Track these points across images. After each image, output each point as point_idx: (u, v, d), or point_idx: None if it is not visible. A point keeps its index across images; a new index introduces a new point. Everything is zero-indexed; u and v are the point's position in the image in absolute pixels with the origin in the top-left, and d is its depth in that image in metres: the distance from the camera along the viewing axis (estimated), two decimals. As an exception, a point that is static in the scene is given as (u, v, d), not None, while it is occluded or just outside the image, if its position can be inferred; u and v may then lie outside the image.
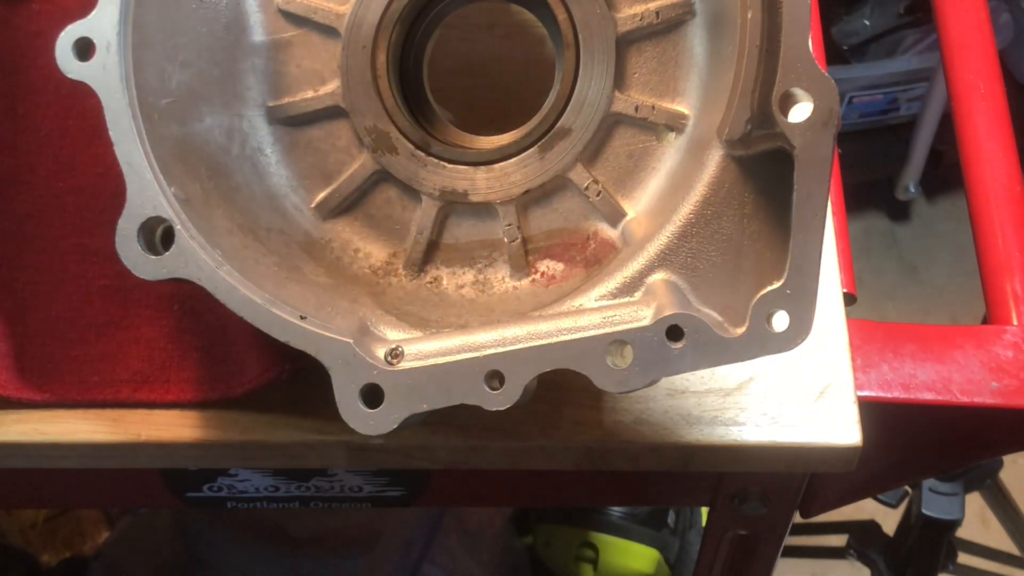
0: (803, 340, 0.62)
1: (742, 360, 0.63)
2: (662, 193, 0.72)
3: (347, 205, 0.79)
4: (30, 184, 0.85)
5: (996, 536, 1.90)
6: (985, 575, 1.86)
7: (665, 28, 0.73)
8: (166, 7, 0.75)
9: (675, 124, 0.73)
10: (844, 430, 0.78)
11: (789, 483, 0.90)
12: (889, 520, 1.71)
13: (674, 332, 0.63)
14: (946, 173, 2.46)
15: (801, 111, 0.62)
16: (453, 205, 0.77)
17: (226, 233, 0.72)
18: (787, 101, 0.62)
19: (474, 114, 0.85)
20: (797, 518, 0.99)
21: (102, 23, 0.72)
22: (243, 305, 0.68)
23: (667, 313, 0.63)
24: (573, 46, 0.75)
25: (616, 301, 0.67)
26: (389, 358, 0.67)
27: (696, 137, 0.71)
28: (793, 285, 0.62)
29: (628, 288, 0.67)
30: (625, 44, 0.74)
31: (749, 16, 0.63)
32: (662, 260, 0.67)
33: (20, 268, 0.83)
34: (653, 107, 0.73)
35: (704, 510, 1.34)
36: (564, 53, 0.75)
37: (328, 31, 0.80)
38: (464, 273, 0.76)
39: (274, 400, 0.79)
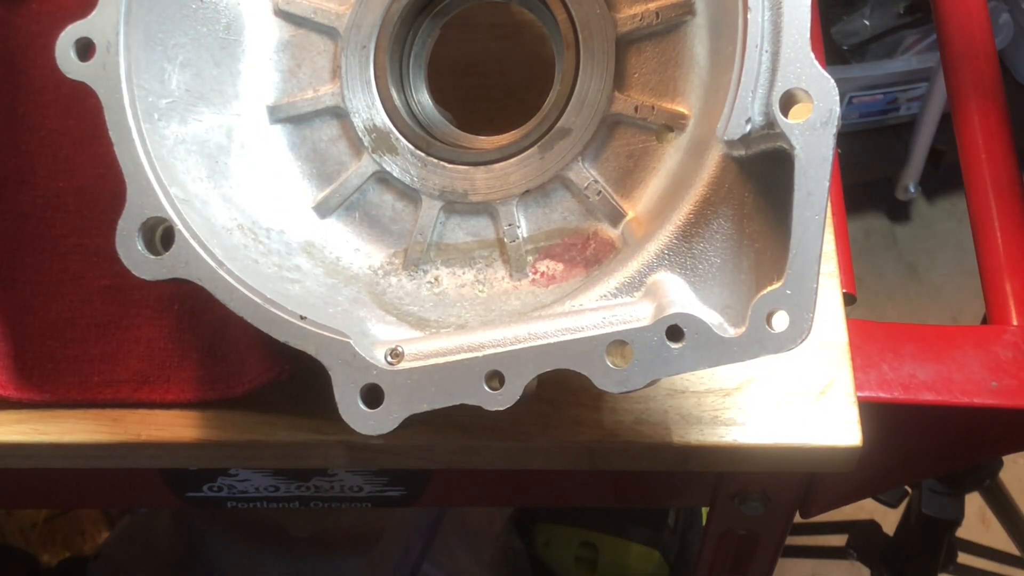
0: (803, 340, 0.62)
1: (742, 360, 0.63)
2: (662, 193, 0.72)
3: (347, 205, 0.79)
4: (30, 184, 0.85)
5: (996, 536, 1.90)
6: (985, 575, 1.86)
7: (665, 28, 0.73)
8: (166, 7, 0.75)
9: (675, 124, 0.73)
10: (844, 430, 0.78)
11: (789, 483, 0.90)
12: (889, 520, 1.70)
13: (674, 332, 0.63)
14: (946, 173, 2.46)
15: (801, 111, 0.62)
16: (453, 205, 0.77)
17: (226, 233, 0.72)
18: (787, 101, 0.62)
19: (474, 114, 0.85)
20: (797, 518, 0.99)
21: (102, 23, 0.72)
22: (243, 305, 0.68)
23: (667, 313, 0.63)
24: (573, 46, 0.75)
25: (616, 301, 0.67)
26: (389, 358, 0.67)
27: (696, 137, 0.71)
28: (793, 285, 0.62)
29: (628, 288, 0.67)
30: (625, 44, 0.74)
31: (749, 16, 0.63)
32: (662, 260, 0.67)
33: (20, 268, 0.83)
34: (653, 107, 0.73)
35: (704, 510, 1.34)
36: (564, 53, 0.75)
37: (328, 31, 0.80)
38: (464, 273, 0.76)
39: (274, 400, 0.79)
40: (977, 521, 2.06)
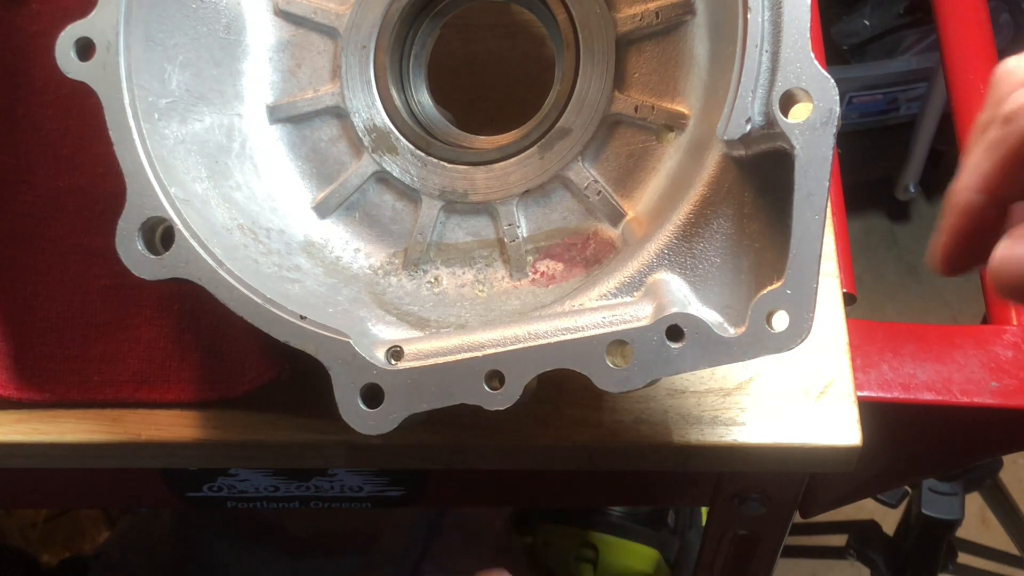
0: (803, 340, 0.62)
1: (742, 360, 0.63)
2: (662, 193, 0.72)
3: (347, 205, 0.79)
4: (30, 184, 0.85)
5: (996, 536, 1.90)
6: (985, 575, 1.86)
7: (665, 28, 0.73)
8: (166, 7, 0.75)
9: (675, 124, 0.73)
10: (844, 430, 0.78)
11: (789, 483, 0.90)
12: (889, 520, 1.70)
13: (674, 332, 0.63)
14: (946, 173, 2.45)
15: (801, 111, 0.62)
16: (453, 205, 0.77)
17: (226, 233, 0.72)
18: (787, 101, 0.62)
19: (474, 114, 0.85)
20: (797, 518, 0.99)
21: (102, 23, 0.72)
22: (243, 305, 0.68)
23: (667, 313, 0.63)
24: (573, 46, 0.75)
25: (616, 301, 0.67)
26: (389, 358, 0.67)
27: (696, 137, 0.71)
28: (793, 285, 0.62)
29: (628, 288, 0.67)
30: (625, 44, 0.74)
31: (749, 16, 0.63)
32: (662, 260, 0.67)
33: (20, 268, 0.83)
34: (653, 107, 0.73)
35: (704, 510, 1.34)
36: (564, 53, 0.75)
37: (328, 31, 0.80)
38: (464, 273, 0.76)
39: (274, 400, 0.79)
40: (977, 521, 2.06)
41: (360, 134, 0.78)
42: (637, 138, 0.74)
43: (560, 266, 0.75)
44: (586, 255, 0.74)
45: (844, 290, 0.84)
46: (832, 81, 0.62)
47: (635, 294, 0.67)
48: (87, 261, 0.83)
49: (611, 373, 0.63)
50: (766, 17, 0.63)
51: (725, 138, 0.64)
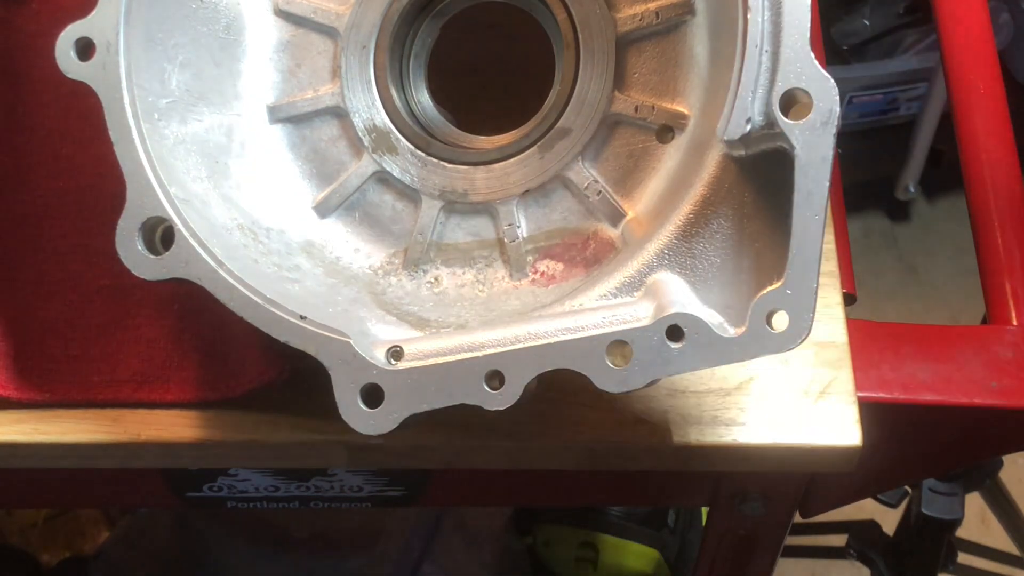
0: (803, 340, 0.62)
1: (742, 360, 0.63)
2: (662, 193, 0.72)
3: (347, 205, 0.79)
4: (30, 184, 0.85)
5: (996, 536, 1.90)
6: (985, 575, 1.86)
7: (665, 28, 0.73)
8: (166, 7, 0.75)
9: (675, 124, 0.73)
10: (844, 430, 0.78)
11: (789, 483, 0.90)
12: (889, 520, 1.70)
13: (674, 332, 0.63)
14: (946, 173, 2.45)
15: (801, 111, 0.62)
16: (453, 205, 0.77)
17: (226, 233, 0.72)
18: (787, 101, 0.62)
19: (474, 114, 0.85)
20: (797, 518, 0.99)
21: (102, 23, 0.72)
22: (243, 305, 0.68)
23: (667, 313, 0.63)
24: (573, 46, 0.75)
25: (616, 301, 0.67)
26: (389, 358, 0.67)
27: (696, 137, 0.71)
28: (793, 285, 0.62)
29: (628, 288, 0.67)
30: (625, 44, 0.74)
31: (749, 16, 0.63)
32: (662, 260, 0.67)
33: (20, 268, 0.83)
34: (653, 107, 0.73)
35: (704, 510, 1.34)
36: (564, 53, 0.75)
37: (328, 31, 0.80)
38: (464, 273, 0.76)
39: (274, 400, 0.79)
40: (977, 521, 2.05)
41: (360, 134, 0.78)
42: (637, 138, 0.74)
43: (560, 266, 0.75)
44: (586, 255, 0.74)
45: (844, 290, 0.84)
46: (832, 81, 0.62)
47: (635, 294, 0.67)
48: (87, 261, 0.83)
49: (611, 373, 0.63)
50: (766, 17, 0.63)
51: (725, 138, 0.64)
